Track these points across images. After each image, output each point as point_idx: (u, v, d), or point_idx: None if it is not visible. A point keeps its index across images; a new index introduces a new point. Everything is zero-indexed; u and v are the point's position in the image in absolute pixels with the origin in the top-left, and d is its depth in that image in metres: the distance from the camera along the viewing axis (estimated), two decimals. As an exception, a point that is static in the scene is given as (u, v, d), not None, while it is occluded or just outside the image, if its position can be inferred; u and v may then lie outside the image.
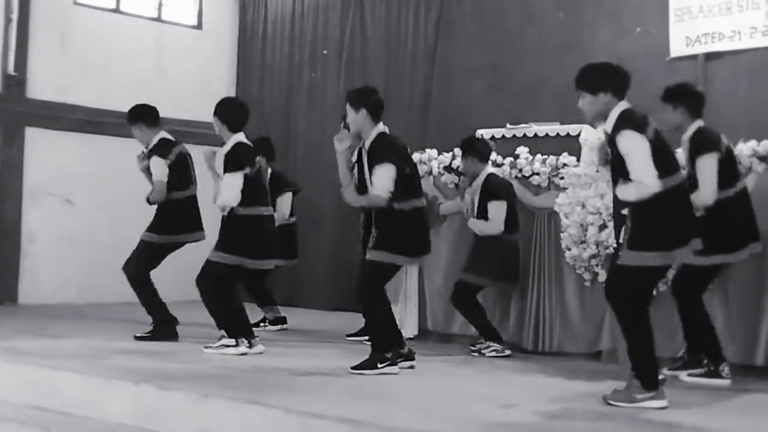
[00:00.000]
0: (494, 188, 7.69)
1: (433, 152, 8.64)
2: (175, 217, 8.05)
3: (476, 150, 7.79)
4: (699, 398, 5.90)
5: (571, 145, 8.08)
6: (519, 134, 8.95)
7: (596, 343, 7.59)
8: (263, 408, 5.12)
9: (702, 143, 6.38)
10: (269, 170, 8.65)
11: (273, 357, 7.15)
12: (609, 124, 5.53)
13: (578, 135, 8.16)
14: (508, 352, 7.56)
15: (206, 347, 7.23)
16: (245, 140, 7.38)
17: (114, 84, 11.48)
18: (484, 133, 8.33)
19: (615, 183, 5.55)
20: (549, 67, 10.29)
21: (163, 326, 7.93)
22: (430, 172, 8.56)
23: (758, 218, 6.78)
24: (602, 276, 7.37)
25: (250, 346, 7.22)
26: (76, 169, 11.26)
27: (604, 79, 5.60)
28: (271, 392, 5.60)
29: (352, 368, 6.45)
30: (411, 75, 11.55)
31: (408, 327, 8.62)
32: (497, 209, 7.62)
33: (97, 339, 7.81)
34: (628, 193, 5.41)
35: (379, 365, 6.46)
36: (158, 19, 12.49)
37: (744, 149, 6.94)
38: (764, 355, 6.77)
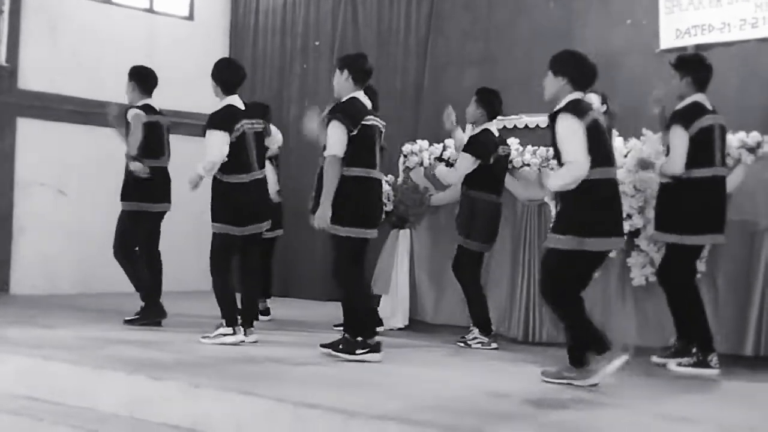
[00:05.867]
0: (470, 140, 7.63)
1: (425, 143, 8.67)
2: (140, 185, 8.06)
3: (489, 104, 7.69)
4: (688, 388, 5.95)
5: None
6: (509, 125, 8.98)
7: (586, 333, 7.62)
8: (255, 398, 5.14)
9: (676, 115, 6.55)
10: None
11: (265, 347, 7.17)
12: (556, 108, 5.82)
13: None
14: (494, 345, 7.52)
15: (203, 336, 7.24)
16: (236, 103, 7.35)
17: (105, 75, 11.44)
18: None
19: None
20: (539, 58, 10.23)
21: (150, 305, 8.01)
22: (422, 163, 8.59)
23: (747, 208, 6.87)
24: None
25: (246, 335, 7.24)
26: (67, 160, 11.24)
27: (568, 66, 5.90)
28: (264, 382, 5.62)
29: (324, 346, 6.64)
30: (402, 66, 11.56)
31: (398, 317, 8.66)
32: (461, 160, 7.59)
33: (90, 329, 7.82)
34: (558, 176, 5.72)
35: (357, 351, 6.50)
36: (150, 10, 12.47)
37: (733, 140, 6.99)
38: (753, 345, 6.82)
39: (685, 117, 6.50)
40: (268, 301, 9.33)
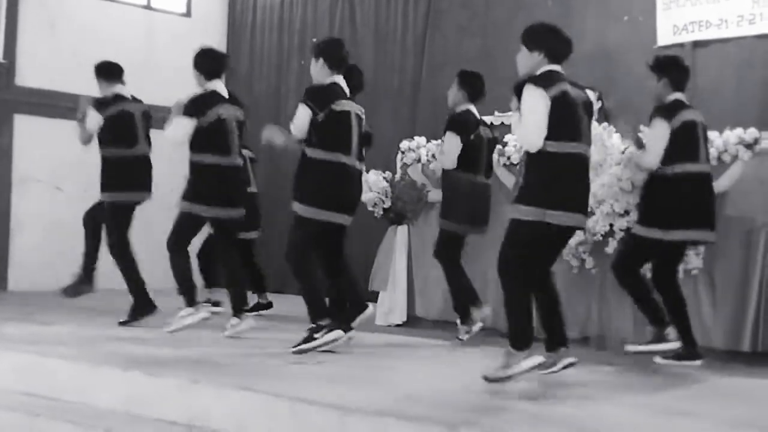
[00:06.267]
0: (451, 120, 7.46)
1: (422, 140, 8.67)
2: (115, 174, 8.07)
3: (471, 85, 7.54)
4: (685, 383, 5.96)
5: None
6: (507, 121, 8.94)
7: (584, 330, 7.62)
8: (253, 393, 5.13)
9: (658, 109, 6.42)
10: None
11: (262, 343, 7.16)
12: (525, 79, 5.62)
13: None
14: (476, 327, 7.40)
15: (168, 326, 7.21)
16: (218, 89, 7.39)
17: (103, 71, 11.44)
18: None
19: None
20: (537, 54, 10.29)
21: (140, 302, 7.95)
22: (419, 160, 8.59)
23: (744, 205, 6.86)
24: (589, 263, 7.41)
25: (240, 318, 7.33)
26: (65, 157, 11.22)
27: (543, 40, 5.67)
28: (261, 378, 5.61)
29: (292, 348, 6.45)
30: (400, 63, 11.56)
31: (396, 313, 8.67)
32: (447, 141, 7.40)
33: (86, 326, 7.82)
34: (516, 127, 5.60)
35: (315, 336, 6.41)
36: (148, 7, 12.48)
37: (730, 137, 6.99)
38: (750, 341, 6.82)
39: (668, 110, 6.39)
40: (267, 295, 9.38)
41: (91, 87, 11.07)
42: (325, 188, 6.54)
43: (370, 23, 11.87)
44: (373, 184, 8.59)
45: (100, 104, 8.11)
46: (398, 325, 8.61)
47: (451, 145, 7.37)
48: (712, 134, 7.07)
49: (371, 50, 11.78)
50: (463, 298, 7.51)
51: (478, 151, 7.46)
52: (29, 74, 11.14)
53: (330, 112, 6.53)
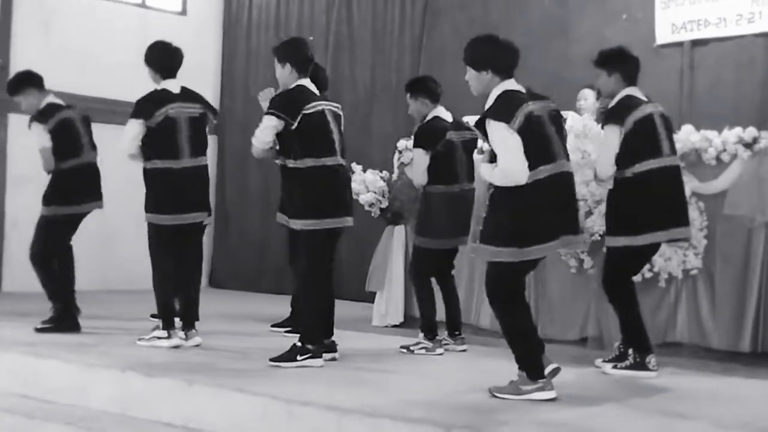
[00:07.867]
0: (415, 135, 7.12)
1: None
2: (64, 187, 7.74)
3: (427, 89, 7.15)
4: (684, 385, 5.94)
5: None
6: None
7: (582, 330, 7.60)
8: (249, 395, 5.12)
9: (609, 113, 6.17)
10: None
11: (258, 344, 7.13)
12: (486, 105, 5.30)
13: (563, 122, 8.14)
14: (440, 351, 7.06)
15: (139, 339, 6.93)
16: (170, 87, 7.03)
17: (98, 71, 11.40)
18: (470, 119, 8.30)
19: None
20: (535, 54, 10.22)
21: (65, 316, 7.65)
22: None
23: (743, 204, 6.84)
24: (588, 263, 7.39)
25: (186, 338, 6.90)
26: (60, 156, 11.19)
27: (485, 56, 5.34)
28: (257, 379, 5.60)
29: (271, 360, 6.12)
30: (397, 62, 11.53)
31: (393, 314, 8.64)
32: (414, 156, 7.12)
33: (82, 326, 7.77)
34: (492, 176, 5.17)
35: (298, 357, 6.09)
36: (142, 5, 12.42)
37: (729, 136, 6.97)
38: (750, 342, 6.80)
39: (618, 113, 6.10)
40: None
41: (83, 86, 11.14)
42: (321, 195, 6.20)
43: (367, 21, 11.84)
44: (370, 184, 8.55)
45: (41, 116, 7.74)
46: (395, 326, 8.58)
47: (418, 160, 7.05)
48: (711, 134, 7.05)
49: (368, 49, 11.75)
50: (430, 318, 7.22)
51: (450, 159, 7.07)
52: (24, 73, 11.08)
53: (303, 117, 6.20)
